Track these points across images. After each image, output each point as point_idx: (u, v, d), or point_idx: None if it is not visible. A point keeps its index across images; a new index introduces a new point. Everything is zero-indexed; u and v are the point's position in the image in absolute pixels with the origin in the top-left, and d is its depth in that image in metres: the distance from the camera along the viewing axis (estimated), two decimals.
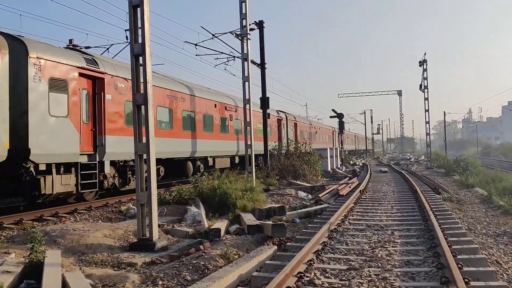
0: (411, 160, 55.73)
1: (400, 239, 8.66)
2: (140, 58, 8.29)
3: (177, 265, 6.73)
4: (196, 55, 21.62)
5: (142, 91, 8.21)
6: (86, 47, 19.93)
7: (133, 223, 9.65)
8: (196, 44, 20.94)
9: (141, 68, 8.35)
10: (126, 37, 19.46)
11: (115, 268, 6.93)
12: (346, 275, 6.29)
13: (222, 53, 21.46)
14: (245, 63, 18.44)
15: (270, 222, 9.72)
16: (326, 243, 8.07)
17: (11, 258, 6.82)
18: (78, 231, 8.45)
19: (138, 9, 8.18)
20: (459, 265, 6.08)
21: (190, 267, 6.63)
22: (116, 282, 6.06)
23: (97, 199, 13.87)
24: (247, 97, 18.43)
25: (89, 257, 7.36)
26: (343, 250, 7.83)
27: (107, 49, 20.62)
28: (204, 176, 14.17)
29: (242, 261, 6.87)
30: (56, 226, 9.21)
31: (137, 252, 7.78)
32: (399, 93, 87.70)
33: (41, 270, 5.89)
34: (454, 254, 6.69)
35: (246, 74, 18.38)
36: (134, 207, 12.06)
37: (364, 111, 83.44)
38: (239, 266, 6.54)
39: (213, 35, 20.50)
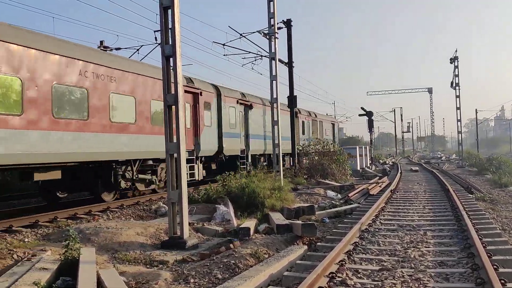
0: (442, 159, 54.68)
1: (433, 240, 8.51)
2: (171, 59, 8.37)
3: (208, 264, 6.79)
4: (224, 55, 21.81)
5: (173, 92, 8.30)
6: (117, 49, 20.39)
7: (164, 221, 9.79)
8: (224, 44, 21.12)
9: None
10: (155, 38, 19.75)
11: (148, 266, 7.04)
12: (378, 276, 6.22)
13: (250, 52, 21.59)
14: (273, 62, 18.43)
15: (300, 222, 9.68)
16: (357, 243, 7.99)
17: (47, 255, 7.00)
18: (111, 229, 8.62)
19: (169, 11, 8.26)
20: (495, 266, 5.94)
21: (221, 266, 6.67)
22: (149, 279, 6.15)
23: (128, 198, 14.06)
24: (274, 96, 18.41)
25: (122, 254, 7.49)
26: (375, 250, 7.74)
27: (137, 50, 21.02)
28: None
29: (272, 260, 6.87)
30: (89, 224, 9.41)
31: (169, 250, 7.89)
32: (430, 90, 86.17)
33: (77, 267, 6.00)
34: (489, 254, 6.54)
35: (273, 73, 18.35)
36: (164, 205, 12.21)
37: (394, 109, 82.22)
38: (269, 265, 6.55)
39: (240, 34, 20.65)
